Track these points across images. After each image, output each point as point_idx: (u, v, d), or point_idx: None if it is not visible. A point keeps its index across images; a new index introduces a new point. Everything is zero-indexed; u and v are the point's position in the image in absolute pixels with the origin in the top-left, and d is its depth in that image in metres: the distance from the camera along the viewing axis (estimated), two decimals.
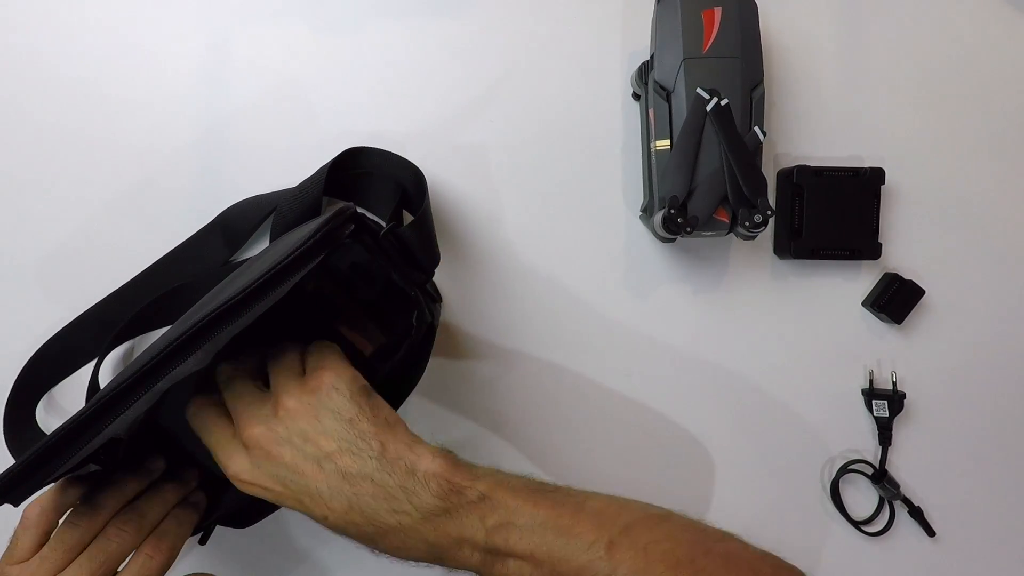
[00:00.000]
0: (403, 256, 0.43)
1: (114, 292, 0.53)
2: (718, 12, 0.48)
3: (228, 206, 0.54)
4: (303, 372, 0.40)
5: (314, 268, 0.36)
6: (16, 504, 0.35)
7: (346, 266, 0.46)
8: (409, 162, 0.53)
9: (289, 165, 0.53)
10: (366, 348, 0.48)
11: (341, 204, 0.40)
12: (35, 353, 0.52)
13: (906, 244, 0.56)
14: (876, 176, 0.53)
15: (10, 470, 0.34)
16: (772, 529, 0.56)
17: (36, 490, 0.35)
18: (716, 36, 0.48)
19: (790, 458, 0.56)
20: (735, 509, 0.56)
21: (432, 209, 0.52)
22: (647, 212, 0.52)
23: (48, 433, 0.52)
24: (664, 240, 0.54)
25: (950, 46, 0.56)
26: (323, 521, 0.37)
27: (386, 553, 0.38)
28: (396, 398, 0.46)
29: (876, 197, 0.54)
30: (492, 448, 0.55)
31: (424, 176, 0.52)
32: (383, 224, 0.42)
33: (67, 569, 0.38)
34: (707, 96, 0.47)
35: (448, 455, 0.38)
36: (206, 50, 0.55)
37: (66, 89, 0.54)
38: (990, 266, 0.56)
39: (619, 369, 0.56)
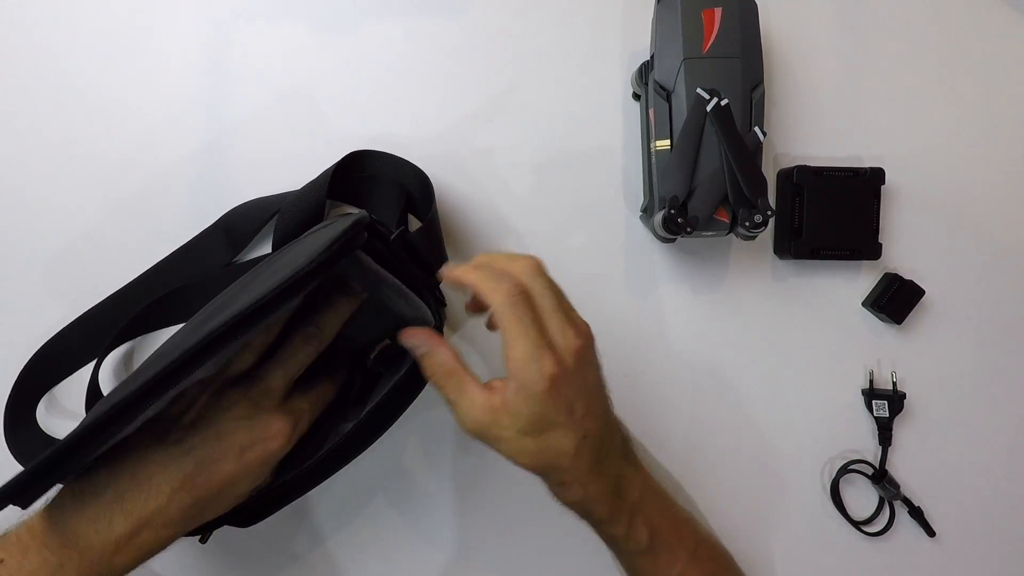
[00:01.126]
0: (413, 260, 0.44)
1: (116, 292, 0.53)
2: (718, 12, 0.48)
3: (231, 208, 0.54)
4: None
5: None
6: (25, 506, 0.35)
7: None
8: (414, 166, 0.53)
9: (292, 168, 0.53)
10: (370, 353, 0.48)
11: (354, 213, 0.40)
12: (36, 353, 0.52)
13: (906, 244, 0.56)
14: (876, 176, 0.53)
15: (20, 475, 0.34)
16: (772, 529, 0.56)
17: (45, 492, 0.35)
18: (716, 36, 0.48)
19: (790, 458, 0.56)
20: (735, 509, 0.56)
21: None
22: (647, 212, 0.52)
23: (46, 432, 0.52)
24: (664, 240, 0.54)
25: (950, 46, 0.56)
26: (570, 453, 0.39)
27: (563, 491, 0.41)
28: (402, 403, 0.47)
29: (876, 197, 0.54)
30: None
31: (430, 181, 0.52)
32: (389, 228, 0.43)
33: None
34: (707, 96, 0.47)
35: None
36: (208, 52, 0.55)
37: (67, 90, 0.54)
38: (990, 266, 0.56)
39: (619, 369, 0.56)
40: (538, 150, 0.55)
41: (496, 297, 0.38)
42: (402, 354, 0.45)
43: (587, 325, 0.41)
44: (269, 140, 0.55)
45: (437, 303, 0.47)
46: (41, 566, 0.35)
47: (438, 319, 0.45)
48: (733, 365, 0.56)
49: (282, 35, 0.55)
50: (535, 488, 0.42)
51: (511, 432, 0.38)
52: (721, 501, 0.56)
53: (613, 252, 0.56)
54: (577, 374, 0.38)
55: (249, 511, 0.45)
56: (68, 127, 0.54)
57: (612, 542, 0.44)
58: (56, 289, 0.54)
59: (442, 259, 0.50)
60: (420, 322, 0.44)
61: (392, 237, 0.42)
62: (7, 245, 0.54)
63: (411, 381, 0.44)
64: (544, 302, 0.39)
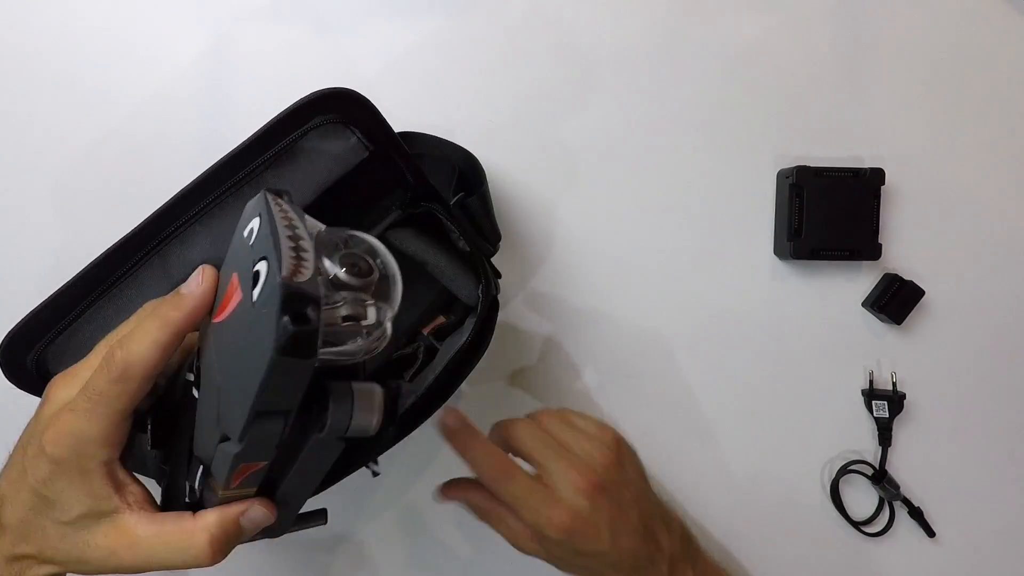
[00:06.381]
0: (472, 225, 0.44)
1: None
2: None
3: None
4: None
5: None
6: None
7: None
8: (461, 147, 0.51)
9: None
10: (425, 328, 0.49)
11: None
12: None
13: (906, 244, 0.56)
14: (876, 176, 0.53)
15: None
16: (772, 530, 0.56)
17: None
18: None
19: (790, 458, 0.56)
20: (736, 510, 0.56)
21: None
22: None
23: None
24: None
25: (950, 46, 0.56)
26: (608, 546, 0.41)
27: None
28: (460, 375, 0.45)
29: (876, 197, 0.54)
30: None
31: (478, 160, 0.50)
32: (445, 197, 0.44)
33: None
34: None
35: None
36: (206, 49, 0.55)
37: (65, 88, 0.54)
38: (990, 266, 0.56)
39: (619, 370, 0.56)
40: (535, 150, 0.55)
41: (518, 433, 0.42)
42: (457, 325, 0.45)
43: (611, 428, 0.44)
44: None
45: (494, 274, 0.47)
46: None
47: (493, 289, 0.44)
48: (733, 365, 0.56)
49: (279, 32, 0.55)
50: None
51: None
52: (721, 501, 0.56)
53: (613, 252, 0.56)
54: (614, 473, 0.42)
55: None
56: (64, 126, 0.54)
57: None
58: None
59: (496, 228, 0.49)
60: (468, 298, 0.44)
61: (452, 202, 0.44)
62: (9, 248, 0.54)
63: (470, 352, 0.44)
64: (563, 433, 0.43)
